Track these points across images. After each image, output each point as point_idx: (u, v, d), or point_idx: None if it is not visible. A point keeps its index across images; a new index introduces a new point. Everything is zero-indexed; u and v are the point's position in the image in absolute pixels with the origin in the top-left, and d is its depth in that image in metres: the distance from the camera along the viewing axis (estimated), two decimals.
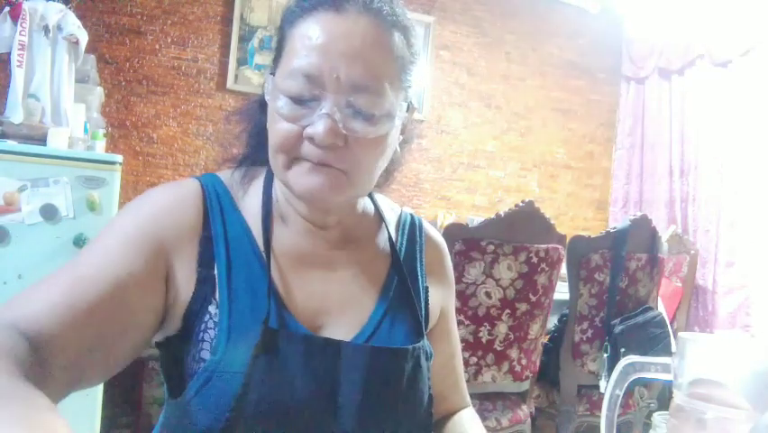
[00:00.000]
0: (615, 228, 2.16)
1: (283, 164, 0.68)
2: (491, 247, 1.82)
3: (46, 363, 0.54)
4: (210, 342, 0.68)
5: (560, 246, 1.99)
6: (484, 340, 1.87)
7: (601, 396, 1.37)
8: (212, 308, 0.69)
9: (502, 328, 1.89)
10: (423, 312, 0.82)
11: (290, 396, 0.67)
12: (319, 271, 0.76)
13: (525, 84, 4.12)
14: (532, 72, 4.12)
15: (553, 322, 2.30)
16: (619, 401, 0.58)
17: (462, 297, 1.82)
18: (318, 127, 0.64)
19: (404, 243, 0.85)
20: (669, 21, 3.87)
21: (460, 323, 1.81)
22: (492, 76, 4.04)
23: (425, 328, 0.81)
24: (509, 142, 4.10)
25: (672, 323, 2.96)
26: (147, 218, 0.70)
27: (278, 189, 0.78)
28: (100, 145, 2.53)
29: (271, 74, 0.71)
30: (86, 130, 2.53)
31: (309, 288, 0.74)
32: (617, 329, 2.05)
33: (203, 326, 0.69)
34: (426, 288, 0.84)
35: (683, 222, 3.81)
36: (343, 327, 0.74)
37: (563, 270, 2.07)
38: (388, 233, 0.83)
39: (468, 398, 0.94)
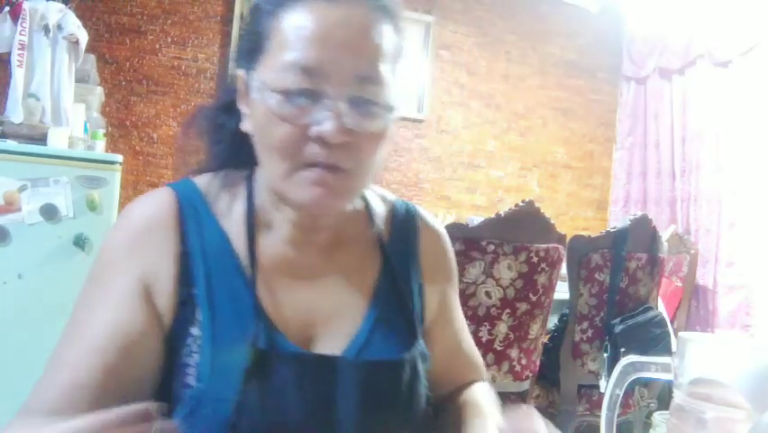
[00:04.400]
0: (615, 228, 2.16)
1: (284, 172, 0.62)
2: (491, 247, 1.82)
3: None
4: (195, 366, 0.64)
5: (560, 246, 1.99)
6: (484, 340, 1.87)
7: (601, 396, 1.37)
8: (194, 330, 0.65)
9: (502, 328, 1.89)
10: (418, 312, 0.77)
11: (286, 419, 0.64)
12: (307, 282, 0.71)
13: (525, 84, 4.12)
14: (532, 72, 4.12)
15: (553, 322, 2.30)
16: (619, 401, 0.58)
17: (462, 297, 1.82)
18: (327, 125, 0.59)
19: (395, 237, 0.79)
20: (669, 20, 3.87)
21: None
22: (492, 76, 4.04)
23: (420, 329, 0.77)
24: (509, 142, 4.10)
25: (672, 323, 2.96)
26: (127, 257, 0.66)
27: (262, 194, 0.72)
28: (100, 145, 2.54)
29: (249, 70, 0.65)
30: (86, 130, 2.54)
31: (296, 300, 0.70)
32: (617, 329, 2.05)
33: (186, 349, 0.65)
34: (421, 285, 0.79)
35: (683, 222, 3.81)
36: (334, 339, 0.69)
37: (563, 269, 2.07)
38: (378, 229, 0.78)
39: (483, 372, 0.87)
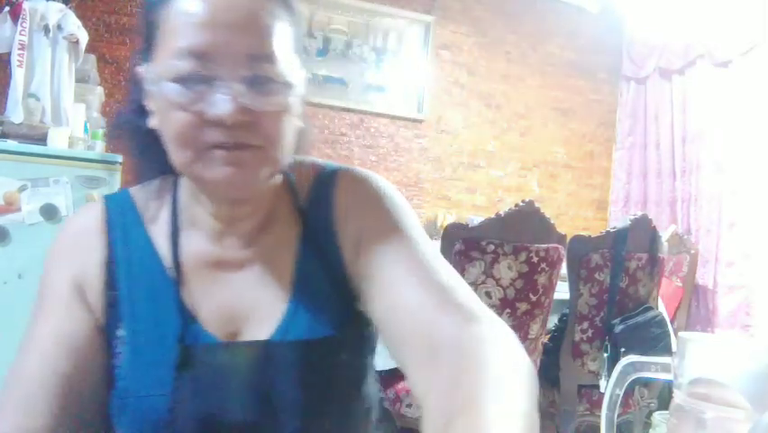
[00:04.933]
0: (615, 228, 2.16)
1: (190, 159, 0.61)
2: (491, 247, 1.82)
3: None
4: (119, 367, 0.67)
5: (560, 246, 1.99)
6: None
7: (601, 396, 1.37)
8: (119, 331, 0.68)
9: None
10: (342, 271, 0.71)
11: (223, 410, 0.65)
12: (230, 274, 0.71)
13: (525, 84, 4.12)
14: (532, 72, 4.12)
15: (553, 322, 2.30)
16: (619, 401, 0.58)
17: None
18: (221, 106, 0.58)
19: (313, 204, 0.73)
20: (669, 20, 3.87)
21: None
22: (492, 76, 4.04)
23: (353, 301, 0.71)
24: (509, 142, 4.10)
25: (672, 323, 2.96)
26: (60, 264, 0.70)
27: (184, 193, 0.72)
28: (100, 145, 2.53)
29: (143, 62, 0.64)
30: (86, 130, 2.53)
31: (220, 295, 0.70)
32: (617, 329, 2.05)
33: (112, 351, 0.68)
34: (339, 249, 0.71)
35: (683, 222, 3.81)
36: (260, 326, 0.69)
37: (563, 269, 2.07)
38: (299, 202, 0.74)
39: (476, 310, 0.60)
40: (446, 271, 0.65)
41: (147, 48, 0.64)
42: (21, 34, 2.29)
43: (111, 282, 0.69)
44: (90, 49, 2.67)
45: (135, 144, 0.72)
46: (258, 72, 0.60)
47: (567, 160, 4.25)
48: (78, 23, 2.46)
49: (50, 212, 2.09)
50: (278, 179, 0.74)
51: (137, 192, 0.75)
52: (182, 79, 0.59)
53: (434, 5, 3.85)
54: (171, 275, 0.69)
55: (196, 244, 0.71)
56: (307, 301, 0.70)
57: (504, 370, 0.50)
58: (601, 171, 4.34)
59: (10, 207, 2.05)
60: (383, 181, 0.75)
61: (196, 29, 0.59)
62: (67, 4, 2.45)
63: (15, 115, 2.26)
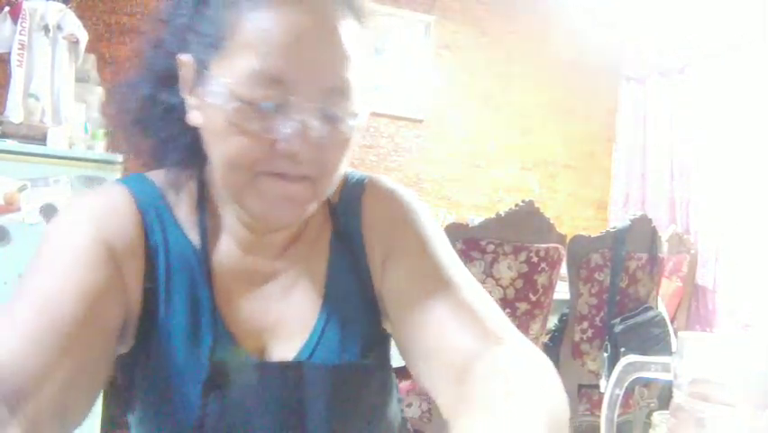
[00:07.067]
0: (615, 228, 2.16)
1: (242, 183, 0.58)
2: (491, 247, 1.82)
3: (14, 416, 0.45)
4: (150, 367, 0.63)
5: (560, 246, 1.99)
6: None
7: (601, 396, 1.37)
8: (153, 327, 0.63)
9: None
10: (373, 292, 0.70)
11: (250, 428, 0.63)
12: (260, 286, 0.68)
13: (525, 84, 4.12)
14: (532, 72, 4.12)
15: (553, 322, 2.30)
16: (619, 401, 0.58)
17: None
18: (296, 142, 0.56)
19: (342, 217, 0.71)
20: (669, 20, 3.87)
21: None
22: (492, 76, 4.04)
23: (381, 319, 0.71)
24: (509, 142, 4.10)
25: (672, 323, 2.96)
26: (89, 225, 0.61)
27: (213, 195, 0.68)
28: (100, 145, 2.53)
29: (199, 61, 0.58)
30: (86, 130, 2.54)
31: (249, 306, 0.67)
32: (617, 329, 2.05)
33: (145, 344, 0.64)
34: (368, 267, 0.70)
35: (683, 222, 3.81)
36: (286, 343, 0.67)
37: (563, 269, 2.07)
38: (329, 207, 0.72)
39: (505, 330, 0.61)
40: (474, 291, 0.65)
41: (203, 46, 0.58)
42: (21, 34, 2.29)
43: (150, 274, 0.63)
44: (90, 49, 2.67)
45: (160, 128, 0.65)
46: (332, 105, 0.57)
47: (567, 160, 4.25)
48: (78, 23, 2.46)
49: (50, 212, 2.09)
50: None
51: (159, 180, 0.68)
52: (252, 103, 0.55)
53: (434, 5, 3.85)
54: (206, 281, 0.65)
55: (225, 251, 0.67)
56: (337, 316, 0.68)
57: (532, 390, 0.50)
58: (601, 171, 4.34)
59: (10, 207, 2.05)
60: (410, 195, 0.74)
61: (276, 53, 0.54)
62: (67, 4, 2.45)
63: (15, 114, 2.26)
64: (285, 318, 0.68)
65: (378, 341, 0.71)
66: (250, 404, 0.63)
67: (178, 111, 0.62)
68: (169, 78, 0.62)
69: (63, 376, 0.50)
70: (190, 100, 0.61)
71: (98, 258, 0.59)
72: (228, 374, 0.62)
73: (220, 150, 0.58)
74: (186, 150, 0.64)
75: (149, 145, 0.67)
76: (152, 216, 0.65)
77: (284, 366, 0.65)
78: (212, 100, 0.57)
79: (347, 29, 0.58)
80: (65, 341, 0.52)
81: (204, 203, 0.67)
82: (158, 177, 0.68)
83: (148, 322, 0.64)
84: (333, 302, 0.68)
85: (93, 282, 0.57)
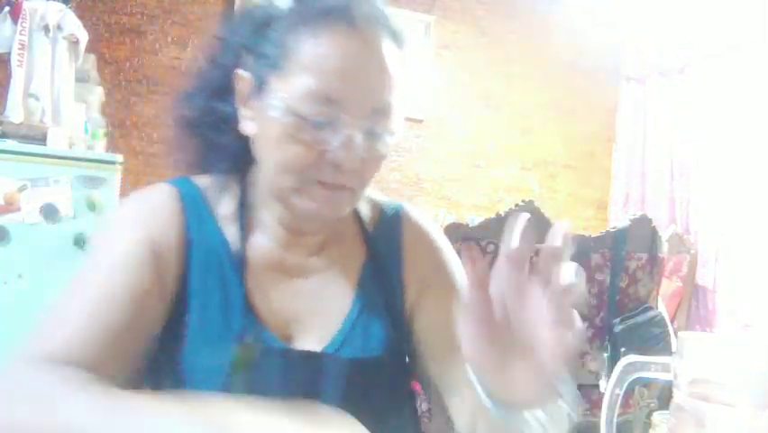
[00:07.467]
0: (615, 228, 2.16)
1: (292, 186, 0.67)
2: (491, 247, 1.82)
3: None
4: (181, 351, 0.67)
5: None
6: None
7: (601, 396, 1.37)
8: (185, 316, 0.68)
9: None
10: (400, 305, 0.77)
11: None
12: (293, 279, 0.74)
13: (525, 84, 4.12)
14: (532, 72, 4.12)
15: None
16: (619, 401, 0.58)
17: None
18: (342, 154, 0.64)
19: (381, 235, 0.80)
20: (669, 20, 3.87)
21: None
22: (492, 76, 4.04)
23: (405, 330, 0.77)
24: (509, 142, 4.10)
25: (672, 323, 2.96)
26: (135, 228, 0.69)
27: (253, 196, 0.75)
28: (100, 145, 2.54)
29: (258, 77, 0.67)
30: (86, 130, 2.54)
31: (282, 297, 0.73)
32: (617, 329, 2.05)
33: (178, 331, 0.68)
34: (403, 285, 0.78)
35: (683, 222, 3.81)
36: (314, 335, 0.71)
37: None
38: (363, 228, 0.80)
39: None
40: None
41: (262, 65, 0.66)
42: (21, 34, 2.29)
43: (186, 264, 0.70)
44: (90, 49, 2.68)
45: (212, 137, 0.73)
46: (375, 124, 0.66)
47: (567, 160, 4.25)
48: (78, 22, 2.46)
49: (50, 212, 2.09)
50: None
51: (203, 183, 0.76)
52: (307, 119, 0.64)
53: (434, 5, 3.85)
54: (240, 270, 0.71)
55: (263, 245, 0.74)
56: (365, 319, 0.74)
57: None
58: (601, 171, 4.34)
59: (10, 207, 2.05)
60: (436, 224, 0.86)
61: (331, 76, 0.63)
62: (67, 4, 2.45)
63: (15, 114, 2.27)
64: (314, 312, 0.73)
65: (399, 345, 0.76)
66: (272, 388, 0.66)
67: (230, 121, 0.70)
68: (222, 91, 0.71)
69: (109, 376, 0.57)
70: (245, 112, 0.69)
71: (144, 260, 0.66)
72: (254, 356, 0.67)
73: (274, 156, 0.67)
74: (233, 156, 0.73)
75: (199, 151, 0.76)
76: (193, 211, 0.72)
77: (308, 355, 0.70)
78: (271, 113, 0.65)
79: (391, 55, 0.67)
80: (115, 343, 0.60)
81: (244, 203, 0.74)
82: (202, 180, 0.76)
83: (181, 306, 0.69)
84: (362, 305, 0.75)
85: (139, 285, 0.64)
